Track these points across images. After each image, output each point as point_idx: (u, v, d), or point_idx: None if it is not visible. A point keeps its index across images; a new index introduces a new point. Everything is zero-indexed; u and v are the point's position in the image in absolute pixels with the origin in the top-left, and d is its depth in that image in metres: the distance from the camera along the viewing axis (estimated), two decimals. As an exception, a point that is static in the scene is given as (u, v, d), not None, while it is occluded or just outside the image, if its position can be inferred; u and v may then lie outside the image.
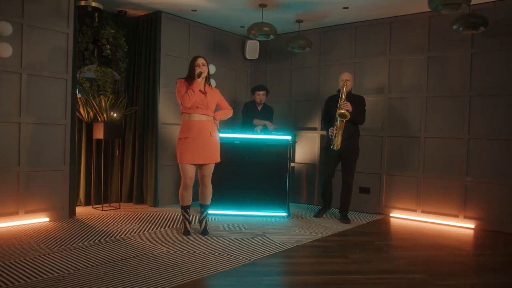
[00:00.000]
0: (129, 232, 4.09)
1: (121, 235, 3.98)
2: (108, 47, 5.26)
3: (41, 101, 4.38)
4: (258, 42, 6.28)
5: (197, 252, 3.51)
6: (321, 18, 5.54)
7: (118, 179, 5.55)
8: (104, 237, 3.87)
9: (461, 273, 3.24)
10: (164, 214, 4.97)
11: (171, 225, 4.45)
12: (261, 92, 5.54)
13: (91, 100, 5.11)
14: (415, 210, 5.17)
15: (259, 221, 4.74)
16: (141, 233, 4.08)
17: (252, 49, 6.35)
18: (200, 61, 3.90)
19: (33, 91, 4.31)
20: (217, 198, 4.63)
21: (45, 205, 4.43)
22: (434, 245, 4.04)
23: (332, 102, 4.83)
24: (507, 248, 4.03)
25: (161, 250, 3.52)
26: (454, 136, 4.93)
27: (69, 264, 3.09)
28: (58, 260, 3.17)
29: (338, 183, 5.01)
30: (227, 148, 4.67)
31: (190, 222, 4.13)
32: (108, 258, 3.26)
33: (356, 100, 4.77)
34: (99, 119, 5.14)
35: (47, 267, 3.02)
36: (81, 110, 5.10)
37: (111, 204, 5.35)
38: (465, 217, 4.81)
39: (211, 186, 4.11)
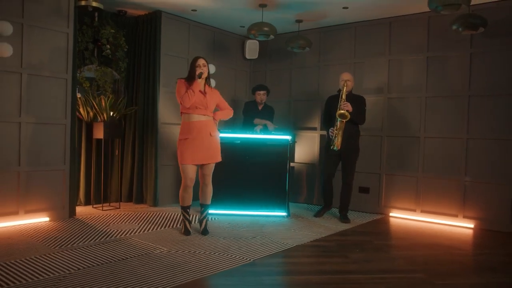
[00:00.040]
0: (129, 232, 4.09)
1: (121, 234, 3.99)
2: (108, 46, 5.27)
3: (41, 101, 4.38)
4: (257, 42, 6.28)
5: (197, 252, 3.52)
6: (321, 18, 5.55)
7: (118, 178, 5.55)
8: (105, 237, 3.88)
9: (460, 273, 3.26)
10: (164, 213, 4.98)
11: (171, 224, 4.46)
12: (262, 92, 5.54)
13: (91, 99, 5.11)
14: (414, 210, 5.18)
15: (259, 221, 4.75)
16: (141, 232, 4.09)
17: (251, 49, 6.35)
18: (201, 61, 3.90)
19: (33, 91, 4.32)
20: (217, 198, 4.63)
21: (45, 205, 4.43)
22: (434, 244, 4.05)
23: (332, 102, 4.84)
24: (506, 247, 4.05)
25: (162, 250, 3.53)
26: (453, 136, 4.94)
27: (70, 264, 3.10)
28: (58, 260, 3.18)
29: (338, 182, 5.03)
30: (227, 148, 4.68)
31: (190, 222, 4.13)
32: (109, 258, 3.27)
33: (356, 100, 4.77)
34: (99, 118, 5.14)
35: (47, 267, 3.02)
36: (81, 109, 5.10)
37: (111, 204, 5.35)
38: (464, 217, 4.83)
39: (211, 186, 4.11)
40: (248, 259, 3.36)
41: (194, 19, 5.73)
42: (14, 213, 4.21)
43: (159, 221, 4.58)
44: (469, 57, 4.85)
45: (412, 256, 3.63)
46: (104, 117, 5.11)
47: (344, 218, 4.89)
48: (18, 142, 4.23)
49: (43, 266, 3.04)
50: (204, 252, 3.50)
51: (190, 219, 4.17)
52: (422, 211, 5.12)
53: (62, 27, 4.50)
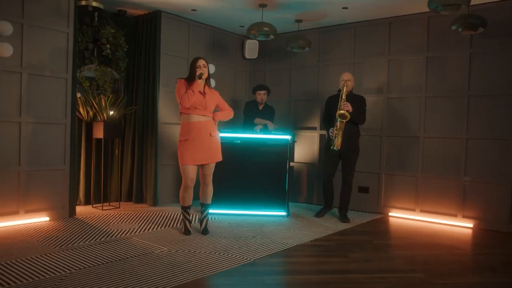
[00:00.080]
0: (129, 232, 4.10)
1: (121, 234, 3.99)
2: (108, 46, 5.27)
3: (41, 101, 4.38)
4: (257, 42, 6.28)
5: (197, 251, 3.52)
6: (320, 18, 5.55)
7: (117, 178, 5.56)
8: (105, 237, 3.88)
9: (459, 272, 3.26)
10: (164, 213, 4.98)
11: (171, 224, 4.46)
12: (262, 92, 5.55)
13: (91, 99, 5.11)
14: (414, 210, 5.19)
15: (259, 221, 4.76)
16: (141, 232, 4.10)
17: (251, 48, 6.35)
18: (201, 62, 3.91)
19: (33, 90, 4.32)
20: (217, 198, 4.64)
21: (45, 205, 4.44)
22: (433, 244, 4.06)
23: (332, 102, 4.84)
24: (505, 247, 4.06)
25: (162, 250, 3.53)
26: (453, 136, 4.95)
27: (70, 264, 3.10)
28: (58, 260, 3.18)
29: (337, 182, 5.03)
30: (227, 147, 4.67)
31: (190, 222, 4.14)
32: (109, 258, 3.27)
33: (356, 100, 4.78)
34: (99, 118, 5.15)
35: (47, 267, 3.03)
36: (81, 109, 5.10)
37: (111, 203, 5.35)
38: (464, 217, 4.84)
39: (212, 185, 4.12)
40: (248, 259, 3.37)
41: (194, 19, 5.74)
42: (14, 213, 4.22)
43: (159, 221, 4.59)
44: (469, 57, 4.86)
45: (411, 256, 3.64)
46: (104, 117, 5.11)
47: (343, 218, 4.89)
48: (18, 142, 4.23)
49: (43, 266, 3.04)
50: (204, 252, 3.51)
51: (190, 218, 4.18)
52: (422, 211, 5.13)
53: (62, 27, 4.50)
